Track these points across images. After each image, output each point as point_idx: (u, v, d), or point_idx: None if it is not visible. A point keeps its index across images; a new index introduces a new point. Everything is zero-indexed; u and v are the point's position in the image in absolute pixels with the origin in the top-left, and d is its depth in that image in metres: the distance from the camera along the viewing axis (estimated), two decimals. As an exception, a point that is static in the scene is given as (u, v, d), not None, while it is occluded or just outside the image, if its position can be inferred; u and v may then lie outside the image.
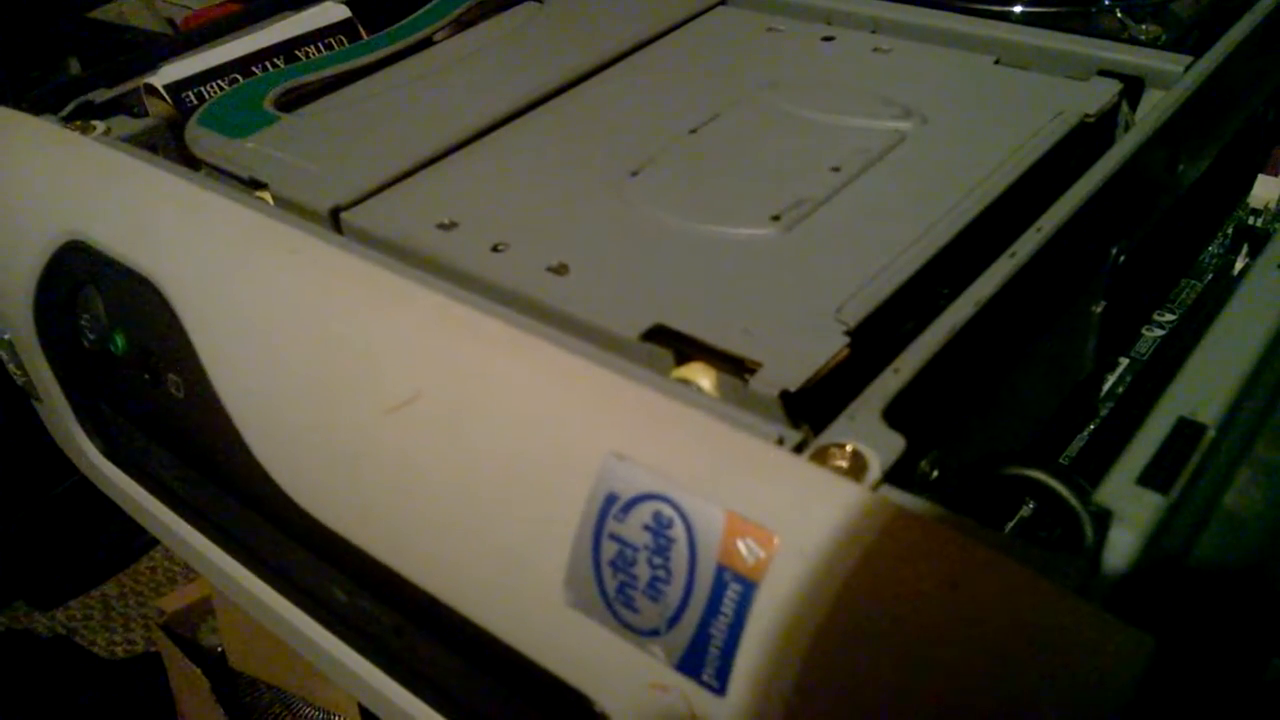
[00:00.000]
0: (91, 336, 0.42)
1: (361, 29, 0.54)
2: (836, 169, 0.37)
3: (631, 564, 0.26)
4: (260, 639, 0.69)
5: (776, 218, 0.35)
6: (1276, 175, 0.50)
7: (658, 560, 0.25)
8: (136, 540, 1.00)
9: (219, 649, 0.75)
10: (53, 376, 0.46)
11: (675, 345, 0.30)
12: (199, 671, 0.71)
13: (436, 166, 0.41)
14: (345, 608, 0.38)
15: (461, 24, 0.53)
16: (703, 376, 0.29)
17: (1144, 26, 0.47)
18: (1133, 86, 0.41)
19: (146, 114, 0.48)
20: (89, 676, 0.92)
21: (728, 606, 0.24)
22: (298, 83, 0.48)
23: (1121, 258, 0.36)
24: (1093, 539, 0.24)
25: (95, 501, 0.52)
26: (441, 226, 0.37)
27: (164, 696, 0.78)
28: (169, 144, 0.48)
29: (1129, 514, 0.24)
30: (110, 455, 0.48)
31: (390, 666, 0.38)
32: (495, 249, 0.35)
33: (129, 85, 0.49)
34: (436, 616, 0.31)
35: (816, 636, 0.23)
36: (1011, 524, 0.35)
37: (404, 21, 0.52)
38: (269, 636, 0.45)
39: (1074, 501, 0.25)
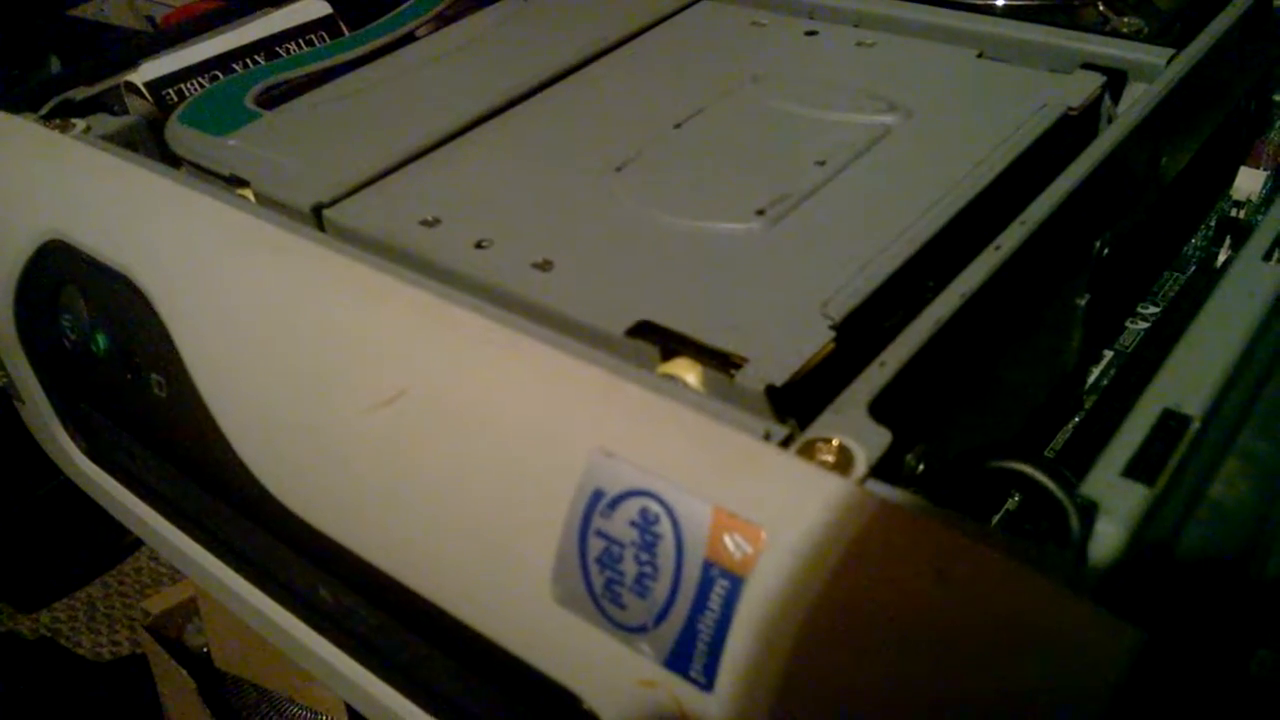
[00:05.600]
0: (73, 336, 0.42)
1: (343, 25, 0.54)
2: (821, 163, 0.37)
3: (618, 560, 0.26)
4: (247, 639, 0.68)
5: (761, 212, 0.35)
6: (1258, 167, 0.50)
7: (644, 556, 0.25)
8: (121, 541, 1.00)
9: (205, 650, 0.74)
10: (34, 377, 0.46)
11: (661, 341, 0.30)
12: (185, 673, 0.71)
13: (419, 163, 0.40)
14: (331, 607, 0.38)
15: (443, 19, 0.53)
16: (689, 372, 0.29)
17: (1126, 20, 0.48)
18: (1115, 80, 0.41)
19: (127, 112, 0.48)
20: (74, 679, 0.92)
21: (715, 602, 0.24)
22: (279, 79, 0.47)
23: (1105, 250, 0.36)
24: (1079, 531, 0.24)
25: (79, 502, 0.51)
26: (425, 223, 0.37)
27: (150, 698, 0.78)
28: (149, 142, 0.47)
29: (1115, 506, 0.24)
30: (93, 456, 0.48)
31: (377, 666, 0.38)
32: (479, 245, 0.35)
33: (109, 83, 0.49)
34: (423, 615, 0.31)
35: (804, 631, 0.23)
36: (998, 517, 0.35)
37: (385, 17, 0.52)
38: (255, 636, 0.45)
39: (1060, 494, 0.25)
